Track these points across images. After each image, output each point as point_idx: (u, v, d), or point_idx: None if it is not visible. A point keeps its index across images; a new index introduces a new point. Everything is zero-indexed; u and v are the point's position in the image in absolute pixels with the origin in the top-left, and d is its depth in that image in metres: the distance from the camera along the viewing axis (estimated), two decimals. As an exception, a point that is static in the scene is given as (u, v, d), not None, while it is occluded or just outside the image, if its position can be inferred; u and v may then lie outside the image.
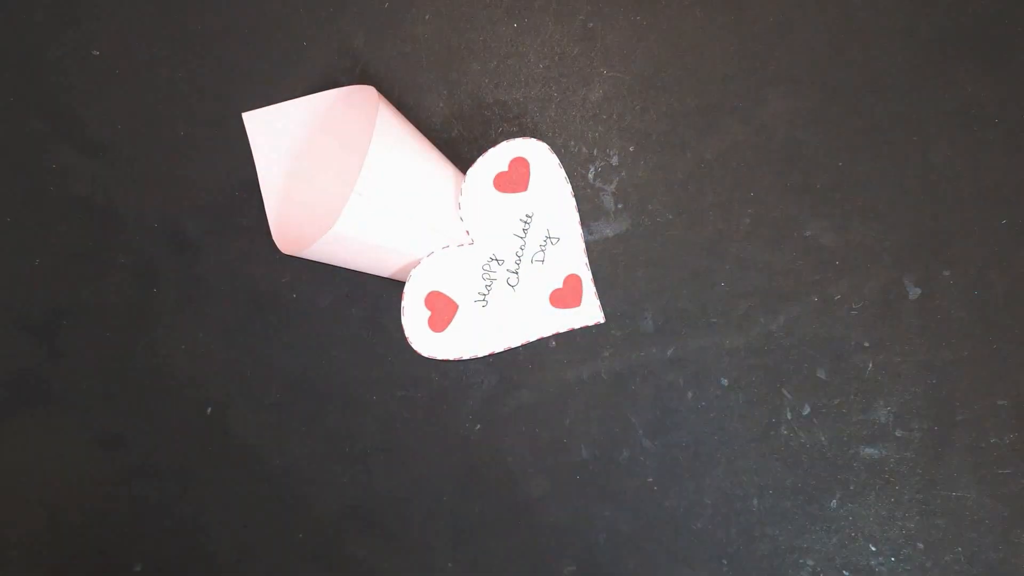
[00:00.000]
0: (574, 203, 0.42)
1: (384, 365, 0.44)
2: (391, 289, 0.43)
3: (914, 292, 0.42)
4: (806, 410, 0.42)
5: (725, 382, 0.42)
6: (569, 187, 0.42)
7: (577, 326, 0.42)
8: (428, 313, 0.41)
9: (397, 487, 0.44)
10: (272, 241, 0.42)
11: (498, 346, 0.42)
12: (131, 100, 0.43)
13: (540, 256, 0.42)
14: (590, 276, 0.43)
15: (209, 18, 0.43)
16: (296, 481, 0.44)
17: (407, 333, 0.41)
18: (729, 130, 0.42)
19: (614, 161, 0.42)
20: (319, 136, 0.42)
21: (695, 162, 0.42)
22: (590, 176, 0.43)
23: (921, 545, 0.42)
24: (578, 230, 0.42)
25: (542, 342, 0.43)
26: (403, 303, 0.41)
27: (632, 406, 0.43)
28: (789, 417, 0.42)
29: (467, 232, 0.41)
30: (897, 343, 0.42)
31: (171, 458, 0.44)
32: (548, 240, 0.42)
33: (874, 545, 0.42)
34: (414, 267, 0.41)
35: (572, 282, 0.42)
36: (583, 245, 0.42)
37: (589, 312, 0.43)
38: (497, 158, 0.41)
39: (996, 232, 0.42)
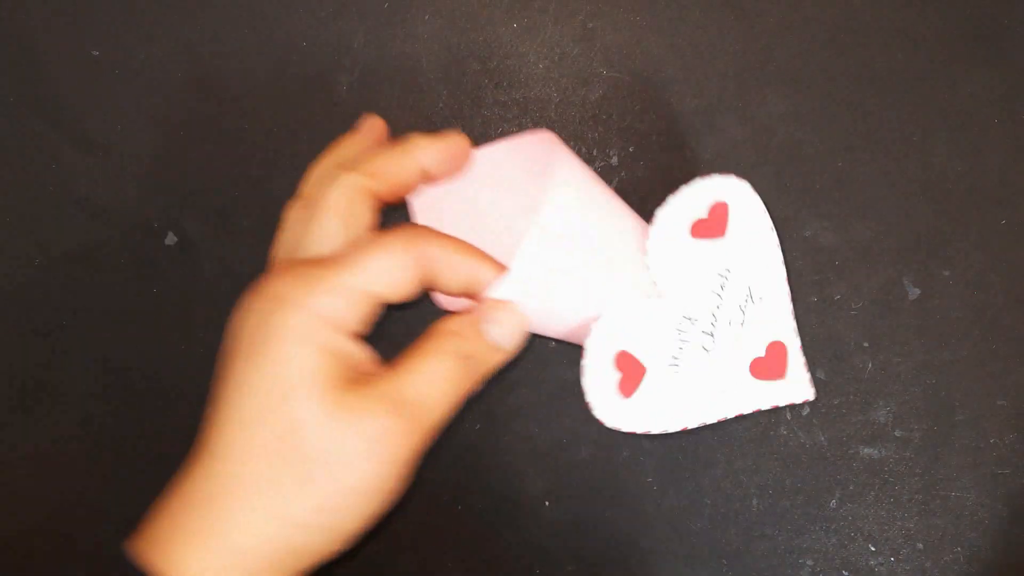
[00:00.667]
0: (780, 256, 0.37)
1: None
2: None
3: (914, 292, 0.42)
4: (805, 410, 0.42)
5: (725, 382, 0.42)
6: (775, 236, 0.37)
7: (782, 403, 0.37)
8: (618, 376, 0.36)
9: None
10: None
11: (692, 421, 0.37)
12: (131, 100, 0.43)
13: (740, 318, 0.37)
14: (799, 344, 0.37)
15: (208, 18, 0.43)
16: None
17: (590, 398, 0.36)
18: (729, 130, 0.42)
19: (614, 161, 0.42)
20: (484, 198, 0.39)
21: (695, 162, 0.42)
22: (590, 176, 0.43)
23: (920, 545, 0.42)
24: (785, 289, 0.37)
25: (542, 342, 0.43)
26: (585, 361, 0.36)
27: (632, 406, 0.43)
28: (788, 417, 0.42)
29: (655, 284, 0.36)
30: (897, 343, 0.42)
31: (171, 459, 0.44)
32: (749, 299, 0.37)
33: (873, 545, 0.42)
34: (594, 320, 0.36)
35: (776, 350, 0.37)
36: (791, 307, 0.37)
37: (796, 387, 0.37)
38: (693, 200, 0.36)
39: (996, 232, 0.42)
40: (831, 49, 0.42)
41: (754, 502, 0.43)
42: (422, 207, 0.39)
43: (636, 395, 0.36)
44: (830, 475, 0.42)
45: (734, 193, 0.36)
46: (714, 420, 0.37)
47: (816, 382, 0.42)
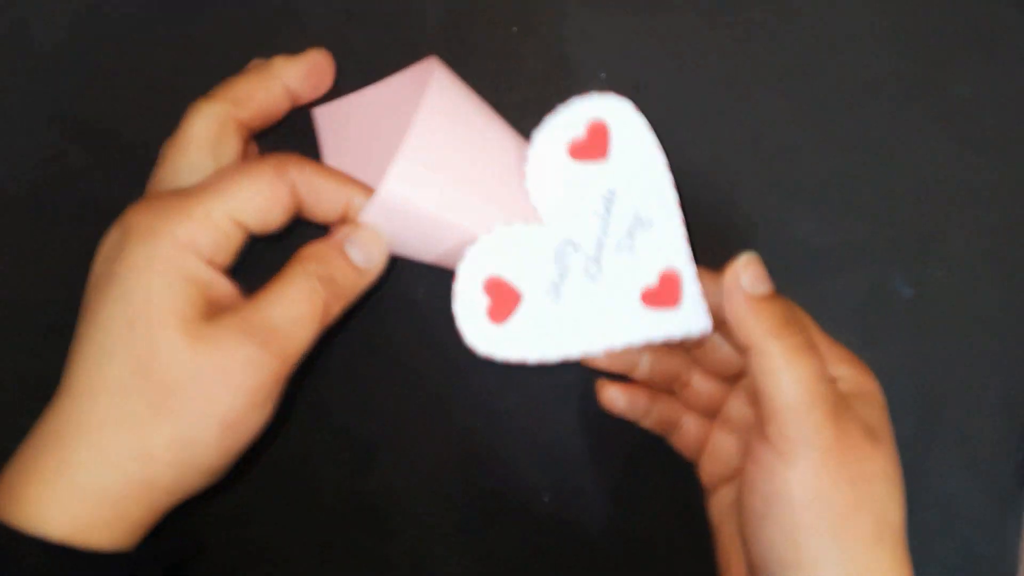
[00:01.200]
0: (670, 178, 0.35)
1: (385, 362, 0.44)
2: (393, 286, 0.43)
3: (907, 291, 0.42)
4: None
5: (722, 380, 0.43)
6: (662, 157, 0.35)
7: (678, 334, 0.35)
8: (487, 301, 0.35)
9: (398, 484, 0.44)
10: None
11: (574, 350, 0.36)
12: (133, 101, 0.43)
13: (629, 243, 0.35)
14: (693, 271, 0.36)
15: (210, 19, 0.42)
16: (297, 478, 0.44)
17: (460, 324, 0.35)
18: (728, 130, 0.42)
19: (612, 161, 0.42)
20: (388, 129, 0.39)
21: (692, 162, 0.42)
22: (589, 177, 0.43)
23: (914, 541, 0.43)
24: (676, 213, 0.36)
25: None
26: (456, 287, 0.35)
27: (630, 404, 0.43)
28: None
29: (535, 209, 0.35)
30: (890, 341, 0.42)
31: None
32: (638, 224, 0.35)
33: (867, 539, 0.43)
34: (470, 246, 0.35)
35: (669, 278, 0.35)
36: (683, 232, 0.36)
37: (691, 317, 0.35)
38: (570, 119, 0.35)
39: (989, 232, 0.42)
40: (828, 51, 0.42)
41: (750, 498, 0.43)
42: (326, 122, 0.39)
43: (510, 323, 0.35)
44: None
45: (614, 113, 0.35)
46: (600, 350, 0.36)
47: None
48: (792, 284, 0.43)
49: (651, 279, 0.35)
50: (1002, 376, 0.42)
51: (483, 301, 0.35)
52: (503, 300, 0.35)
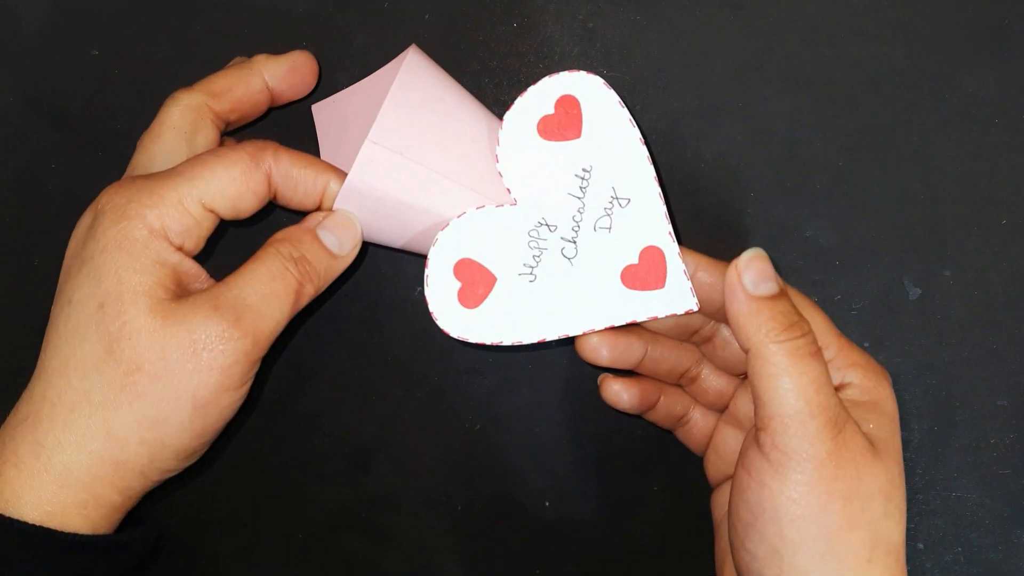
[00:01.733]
0: (646, 152, 0.34)
1: (383, 364, 0.44)
2: (391, 287, 0.43)
3: (914, 292, 0.42)
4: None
5: (725, 382, 0.42)
6: (637, 131, 0.35)
7: (662, 314, 0.35)
8: (458, 285, 0.35)
9: (396, 487, 0.44)
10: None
11: (551, 332, 0.35)
12: (131, 100, 0.43)
13: (607, 222, 0.35)
14: (676, 249, 0.35)
15: (208, 19, 0.43)
16: (295, 481, 0.44)
17: (432, 308, 0.35)
18: (729, 130, 0.42)
19: (614, 161, 0.42)
20: (373, 119, 0.38)
21: (695, 162, 0.42)
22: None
23: (921, 545, 0.42)
24: (655, 188, 0.35)
25: (540, 344, 0.42)
26: (427, 271, 0.35)
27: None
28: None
29: (508, 191, 0.35)
30: (897, 343, 0.42)
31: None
32: (615, 201, 0.35)
33: (874, 545, 0.42)
34: (441, 230, 0.35)
35: (651, 256, 0.35)
36: (663, 208, 0.35)
37: (677, 296, 0.34)
38: (539, 98, 0.35)
39: (996, 232, 0.42)
40: (831, 49, 0.41)
41: (754, 502, 0.43)
42: (323, 117, 0.39)
43: (485, 305, 0.35)
44: (830, 475, 0.42)
45: (585, 89, 0.34)
46: (579, 331, 0.35)
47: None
48: (799, 284, 0.42)
49: (631, 257, 0.35)
50: (1011, 378, 0.42)
51: (454, 284, 0.35)
52: (476, 282, 0.35)
